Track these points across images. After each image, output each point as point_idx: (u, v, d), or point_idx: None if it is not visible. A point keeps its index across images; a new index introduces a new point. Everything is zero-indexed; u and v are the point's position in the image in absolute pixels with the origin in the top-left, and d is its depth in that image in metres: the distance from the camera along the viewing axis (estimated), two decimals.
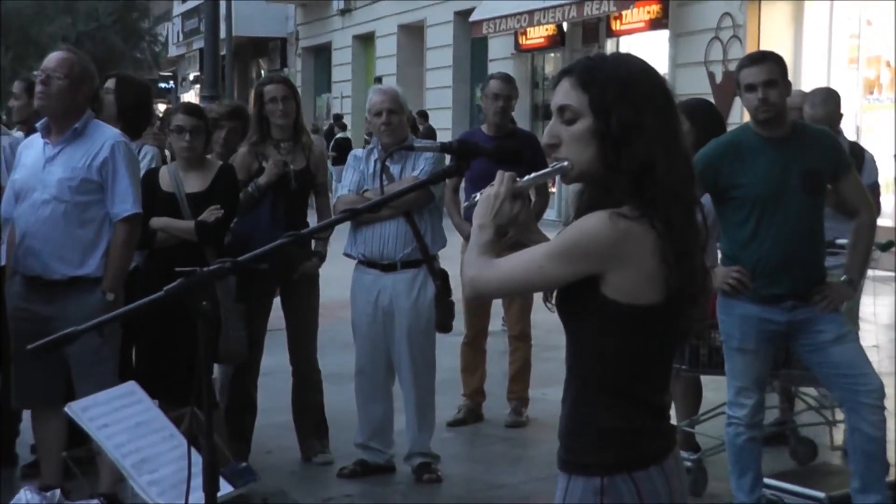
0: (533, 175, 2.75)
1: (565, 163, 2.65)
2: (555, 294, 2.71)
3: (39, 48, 25.40)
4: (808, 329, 5.17)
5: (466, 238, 7.10)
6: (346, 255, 6.34)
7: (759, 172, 5.08)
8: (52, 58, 5.43)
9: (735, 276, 5.16)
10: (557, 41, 21.36)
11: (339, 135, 26.03)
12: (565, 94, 2.64)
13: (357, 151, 6.49)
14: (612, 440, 2.64)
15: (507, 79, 7.69)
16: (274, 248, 2.80)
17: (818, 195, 5.17)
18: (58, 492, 4.73)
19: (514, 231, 2.82)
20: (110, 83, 6.32)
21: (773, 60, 5.20)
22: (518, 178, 2.74)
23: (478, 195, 2.76)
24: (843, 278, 5.29)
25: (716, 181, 5.11)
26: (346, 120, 28.47)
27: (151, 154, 6.41)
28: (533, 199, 3.93)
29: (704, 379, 6.37)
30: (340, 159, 21.34)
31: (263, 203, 6.34)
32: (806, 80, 14.78)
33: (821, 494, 5.42)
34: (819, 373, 5.28)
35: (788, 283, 5.13)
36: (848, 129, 8.95)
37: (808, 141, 5.17)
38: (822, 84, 10.58)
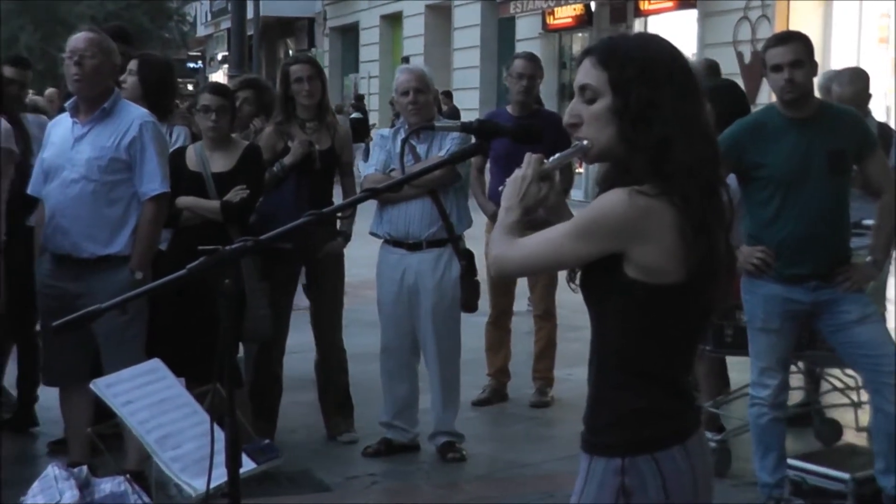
0: (557, 156, 2.75)
1: (585, 142, 2.65)
2: (578, 274, 2.72)
3: (67, 27, 25.45)
4: (832, 309, 5.16)
5: (490, 217, 7.10)
6: (372, 234, 6.36)
7: (784, 153, 5.07)
8: (80, 38, 5.44)
9: (759, 255, 5.15)
10: (585, 21, 21.26)
11: (353, 115, 26.03)
12: (586, 74, 2.65)
13: (384, 131, 6.51)
14: (634, 420, 2.64)
15: (531, 58, 7.68)
16: (295, 227, 2.81)
17: (843, 175, 5.15)
18: (85, 468, 4.76)
19: (544, 212, 2.83)
20: (132, 65, 6.31)
21: (799, 40, 5.17)
22: (545, 161, 2.74)
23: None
24: (867, 259, 5.27)
25: (740, 161, 5.10)
26: (374, 100, 28.46)
27: (184, 135, 6.44)
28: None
29: (729, 360, 6.37)
30: (355, 138, 21.40)
31: (288, 183, 6.36)
32: (835, 59, 14.67)
33: (845, 475, 5.40)
34: (843, 353, 5.27)
35: (812, 263, 5.12)
36: (877, 110, 8.89)
37: (833, 121, 5.14)
38: (852, 64, 10.52)
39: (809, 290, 5.15)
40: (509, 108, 7.58)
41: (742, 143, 5.11)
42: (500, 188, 2.75)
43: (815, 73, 5.17)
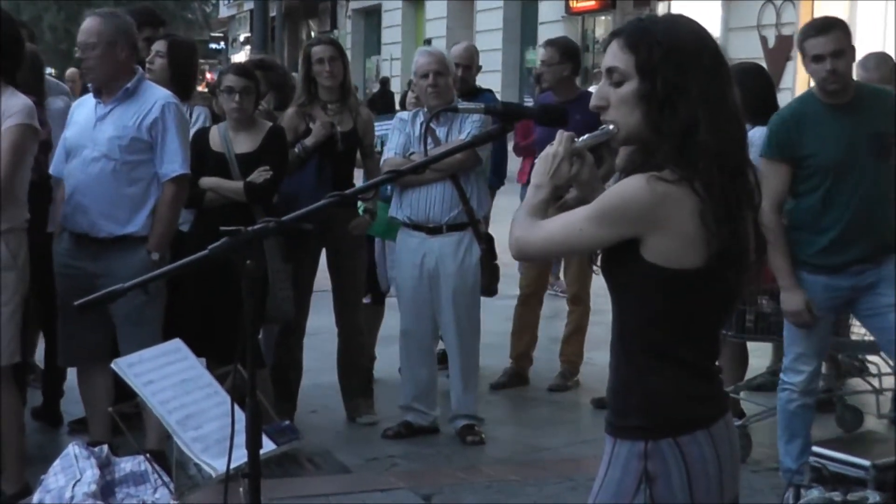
0: (586, 137, 2.74)
1: (611, 126, 2.64)
2: (599, 257, 2.71)
3: (91, 7, 25.54)
4: (871, 292, 5.06)
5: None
6: (392, 217, 6.35)
7: (829, 140, 4.98)
8: (83, 30, 5.43)
9: (806, 318, 5.07)
10: (608, 4, 21.19)
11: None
12: (614, 56, 2.63)
13: (403, 114, 6.49)
14: (657, 402, 2.62)
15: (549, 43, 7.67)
16: (318, 208, 2.80)
17: (887, 158, 5.05)
18: (105, 447, 4.77)
19: (577, 190, 2.82)
20: (160, 46, 6.33)
21: (839, 28, 5.06)
22: (576, 139, 2.73)
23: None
24: None
25: (792, 157, 5.02)
26: (395, 82, 28.44)
27: (204, 115, 6.44)
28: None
29: (750, 345, 6.34)
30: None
31: (309, 164, 6.35)
32: (861, 43, 14.54)
33: (866, 462, 5.37)
34: (879, 339, 5.21)
35: (858, 249, 5.03)
36: None
37: (870, 103, 5.04)
38: (878, 48, 10.44)
39: (852, 274, 5.07)
40: (553, 94, 7.52)
41: (792, 139, 5.03)
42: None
43: (853, 58, 5.10)
